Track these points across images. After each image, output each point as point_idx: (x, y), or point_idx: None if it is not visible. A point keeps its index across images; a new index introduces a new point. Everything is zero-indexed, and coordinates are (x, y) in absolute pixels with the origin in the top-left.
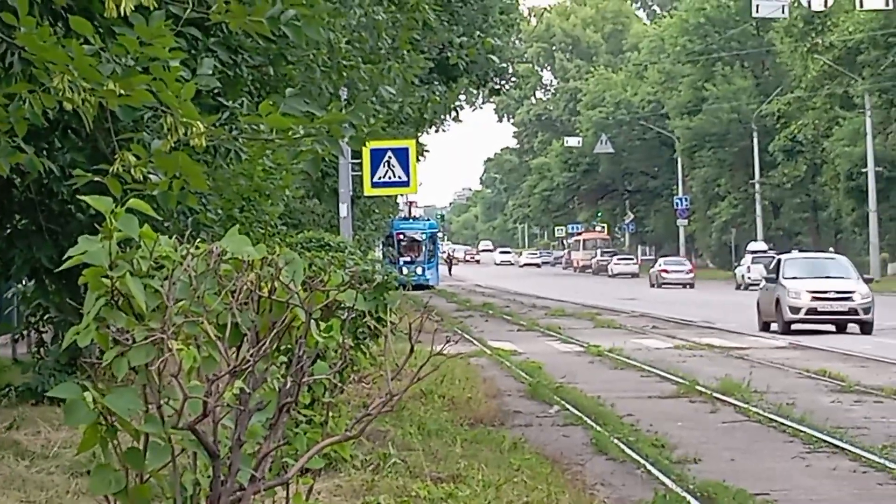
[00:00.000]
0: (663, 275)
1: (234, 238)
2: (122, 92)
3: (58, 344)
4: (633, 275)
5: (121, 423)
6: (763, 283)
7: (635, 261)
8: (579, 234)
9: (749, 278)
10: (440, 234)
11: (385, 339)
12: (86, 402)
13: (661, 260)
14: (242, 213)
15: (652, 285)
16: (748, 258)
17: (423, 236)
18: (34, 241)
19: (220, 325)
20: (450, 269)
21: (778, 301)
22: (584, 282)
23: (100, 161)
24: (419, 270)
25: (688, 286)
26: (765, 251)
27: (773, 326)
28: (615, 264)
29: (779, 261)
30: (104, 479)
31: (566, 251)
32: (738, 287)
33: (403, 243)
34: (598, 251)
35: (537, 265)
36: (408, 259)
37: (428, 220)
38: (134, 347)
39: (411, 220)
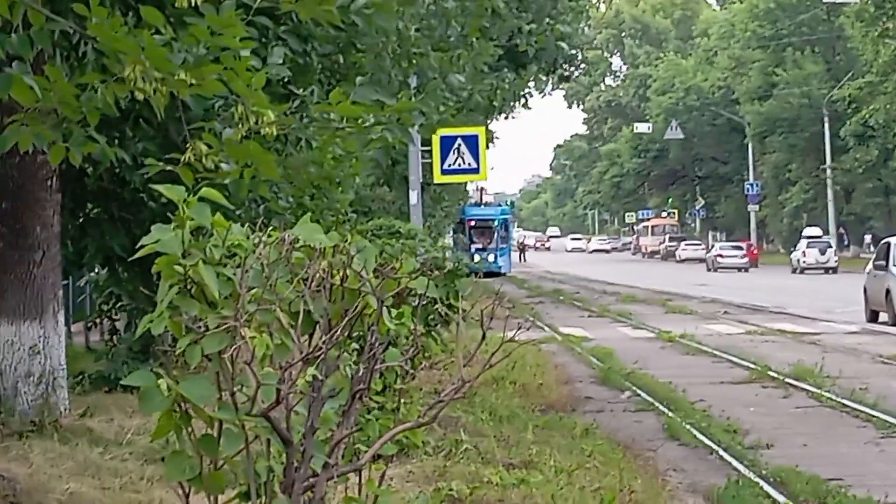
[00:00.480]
0: (719, 259)
1: (306, 226)
2: (194, 81)
3: (131, 332)
4: (701, 260)
5: (195, 411)
6: (870, 270)
7: (703, 246)
8: (648, 220)
9: (804, 262)
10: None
11: (457, 326)
12: (160, 389)
13: (717, 245)
14: (313, 201)
15: (708, 269)
16: (803, 243)
17: (495, 222)
18: (107, 230)
19: (293, 312)
20: (521, 256)
21: (889, 291)
22: (653, 267)
23: (171, 150)
24: (491, 258)
25: (742, 269)
26: (819, 236)
27: (883, 317)
28: (682, 250)
29: (888, 245)
30: (179, 465)
31: (634, 237)
32: (793, 271)
33: (475, 230)
34: (667, 237)
35: (606, 251)
36: (479, 246)
37: (500, 205)
38: (207, 335)
39: (482, 206)
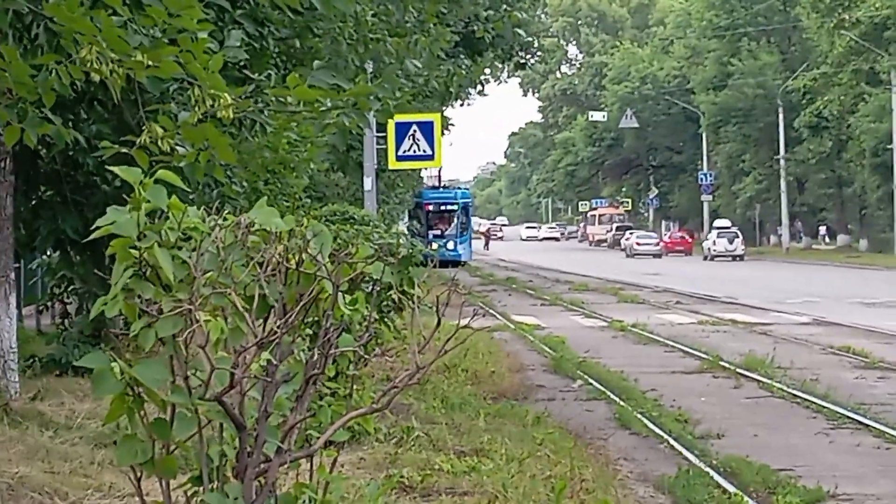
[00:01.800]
0: (636, 247)
1: (263, 210)
2: (150, 63)
3: (83, 315)
4: (656, 255)
5: (148, 394)
6: None
7: (657, 240)
8: (594, 209)
9: (714, 250)
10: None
11: (411, 313)
12: (113, 372)
13: (633, 234)
14: (267, 186)
15: (627, 256)
16: (714, 233)
17: (455, 207)
18: (59, 212)
19: (248, 296)
20: (486, 244)
21: None
22: (604, 256)
23: (126, 132)
24: (450, 245)
25: (655, 256)
26: (728, 227)
27: None
28: (636, 245)
29: None
30: (131, 449)
31: (580, 225)
32: (705, 258)
33: (433, 215)
34: (614, 226)
35: (556, 239)
36: (437, 232)
37: (460, 188)
38: (161, 318)
39: (442, 190)
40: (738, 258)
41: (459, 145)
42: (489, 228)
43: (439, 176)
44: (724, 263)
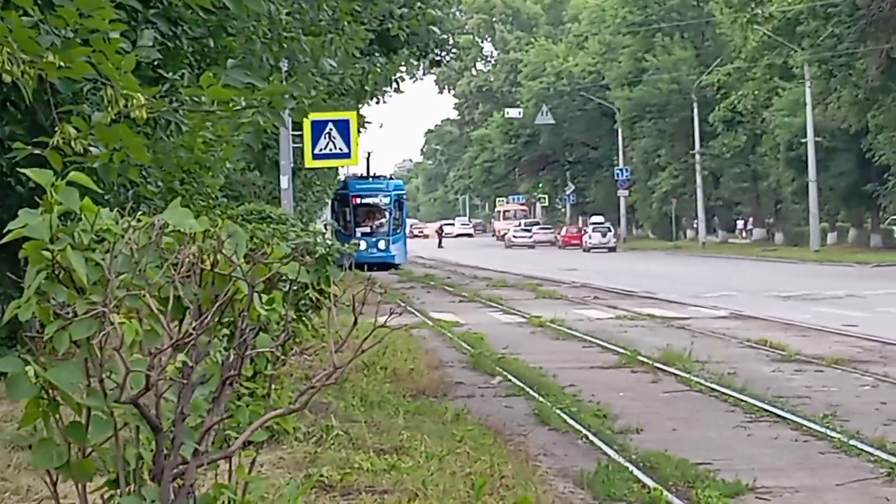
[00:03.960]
0: (513, 238)
1: (176, 211)
2: (62, 64)
3: None
4: (529, 246)
5: (63, 397)
6: None
7: (531, 234)
8: (501, 205)
9: (590, 243)
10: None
11: (329, 312)
12: (28, 375)
13: (511, 227)
14: (183, 186)
15: (506, 247)
16: (590, 228)
17: (387, 200)
18: None
19: (163, 298)
20: (440, 242)
21: None
22: (515, 252)
23: (39, 134)
24: (381, 244)
25: (529, 247)
26: (602, 223)
27: None
28: (513, 238)
29: None
30: (47, 453)
31: (490, 221)
32: (584, 250)
33: (361, 209)
34: (521, 222)
35: (470, 235)
36: (366, 229)
37: (391, 178)
38: (75, 321)
39: (371, 180)
40: (611, 249)
41: (377, 143)
42: (441, 226)
43: (368, 164)
44: (601, 254)
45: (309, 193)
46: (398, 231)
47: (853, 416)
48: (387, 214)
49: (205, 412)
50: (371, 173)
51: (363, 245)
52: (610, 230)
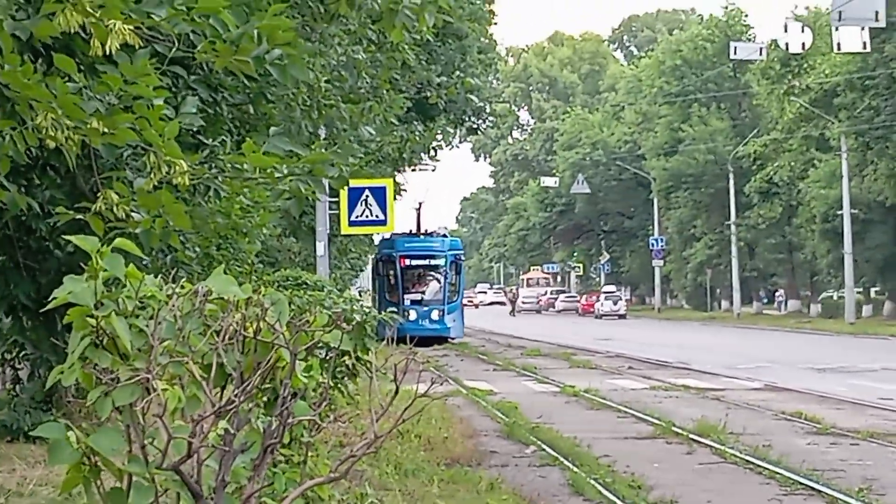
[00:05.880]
0: (521, 304)
1: (219, 278)
2: (106, 130)
3: (34, 381)
4: (537, 311)
5: (104, 463)
6: None
7: (577, 298)
8: (524, 273)
9: (602, 310)
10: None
11: (370, 380)
12: (69, 441)
13: (521, 292)
14: (219, 252)
15: (510, 314)
16: (602, 296)
17: (442, 262)
18: (11, 278)
19: (205, 365)
20: (512, 311)
21: None
22: (554, 321)
23: (78, 198)
24: (435, 315)
25: (537, 312)
26: (613, 292)
27: None
28: (522, 303)
29: None
30: None
31: (513, 288)
32: (596, 317)
33: (410, 272)
34: (548, 290)
35: (503, 303)
36: (415, 297)
37: (446, 236)
38: (119, 387)
39: (423, 238)
40: (620, 317)
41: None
42: (514, 290)
43: (418, 218)
44: (612, 321)
45: (344, 260)
46: (455, 299)
47: (889, 490)
48: (441, 279)
49: (245, 479)
50: (422, 230)
51: (412, 315)
52: (621, 299)
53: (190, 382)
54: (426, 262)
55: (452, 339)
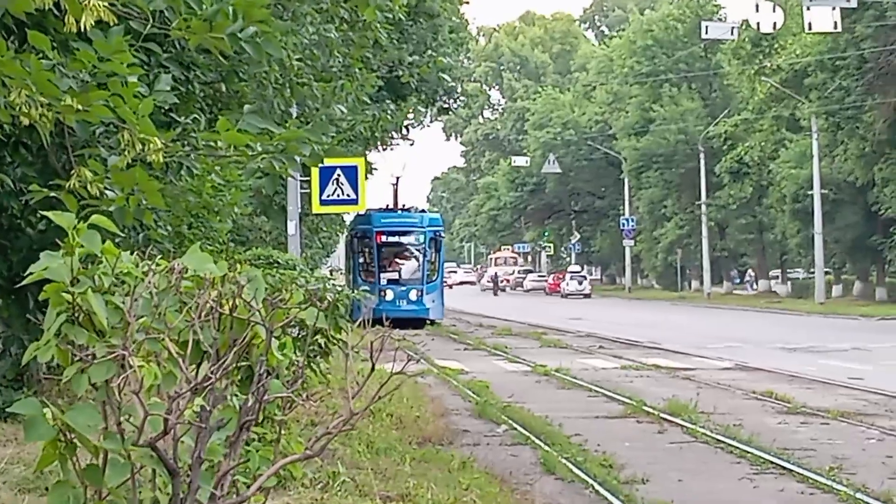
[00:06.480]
0: (486, 283)
1: (196, 255)
2: (80, 107)
3: (6, 360)
4: (493, 291)
5: (80, 440)
6: None
7: (545, 277)
8: (493, 253)
9: (567, 290)
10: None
11: (346, 358)
12: (45, 418)
13: (456, 271)
14: (191, 230)
15: (482, 290)
16: (568, 276)
17: (421, 238)
18: None
19: (181, 342)
20: (496, 291)
21: None
22: (525, 300)
23: (51, 176)
24: (413, 295)
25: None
26: (578, 272)
27: None
28: (486, 280)
29: None
30: (63, 495)
31: (479, 267)
32: (562, 296)
33: (387, 249)
34: (515, 270)
35: (472, 283)
36: (394, 276)
37: (423, 211)
38: (95, 364)
39: (400, 213)
40: (586, 296)
41: (381, 189)
42: (495, 271)
43: (395, 193)
44: (579, 300)
45: (315, 240)
46: (434, 278)
47: (859, 469)
48: (420, 257)
49: (220, 456)
50: (400, 205)
51: (389, 295)
52: (585, 278)
53: (166, 359)
54: (404, 238)
55: (431, 321)
